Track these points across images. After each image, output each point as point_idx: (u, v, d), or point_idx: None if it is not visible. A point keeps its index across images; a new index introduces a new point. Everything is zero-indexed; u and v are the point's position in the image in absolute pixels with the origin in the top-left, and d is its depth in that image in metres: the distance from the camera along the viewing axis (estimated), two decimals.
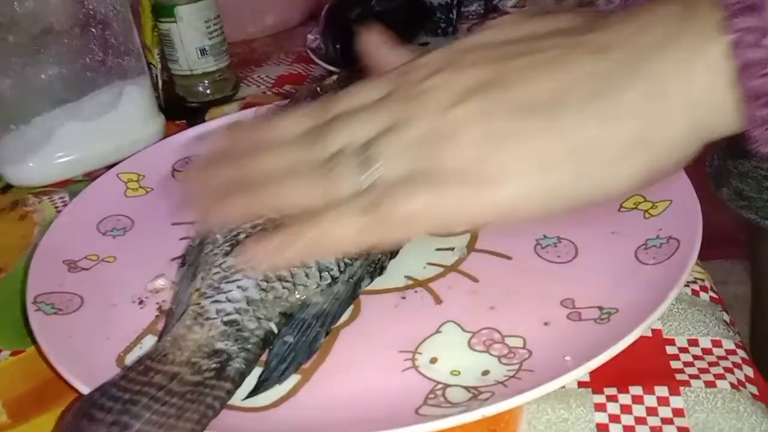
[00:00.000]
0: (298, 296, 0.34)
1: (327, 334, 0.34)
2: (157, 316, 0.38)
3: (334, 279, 0.35)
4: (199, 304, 0.33)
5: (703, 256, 0.36)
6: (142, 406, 0.28)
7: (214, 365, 0.30)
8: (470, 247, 0.40)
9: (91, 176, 0.53)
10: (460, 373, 0.31)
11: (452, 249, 0.40)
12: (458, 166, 0.28)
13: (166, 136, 0.57)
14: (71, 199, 0.49)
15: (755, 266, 0.72)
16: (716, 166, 0.67)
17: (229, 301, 0.33)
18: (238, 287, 0.34)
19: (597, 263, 0.37)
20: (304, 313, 0.34)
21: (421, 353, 0.33)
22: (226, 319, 0.32)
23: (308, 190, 0.30)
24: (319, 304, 0.34)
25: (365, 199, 0.29)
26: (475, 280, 0.37)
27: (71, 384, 0.32)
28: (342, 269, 0.35)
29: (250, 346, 0.32)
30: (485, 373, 0.31)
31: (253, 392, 0.31)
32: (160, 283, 0.40)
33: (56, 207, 0.51)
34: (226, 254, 0.35)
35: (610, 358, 0.30)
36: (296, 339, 0.33)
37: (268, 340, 0.33)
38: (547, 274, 0.37)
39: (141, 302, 0.39)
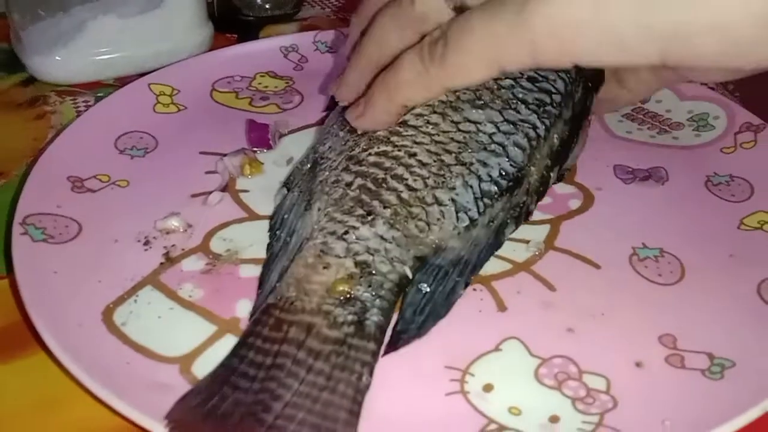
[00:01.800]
0: (432, 237, 0.29)
1: (467, 285, 0.29)
2: (162, 264, 0.31)
3: (473, 221, 0.29)
4: (322, 240, 0.28)
5: None
6: (288, 372, 0.24)
7: (351, 317, 0.26)
8: (549, 244, 0.32)
9: (122, 82, 0.47)
10: (520, 412, 0.24)
11: (527, 242, 0.32)
12: None
13: (212, 48, 0.50)
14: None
15: None
16: None
17: (358, 239, 0.28)
18: (366, 223, 0.28)
19: (708, 293, 0.29)
20: (440, 259, 0.29)
21: (473, 375, 0.26)
22: (357, 259, 0.27)
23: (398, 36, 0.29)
24: (456, 249, 0.29)
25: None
26: (551, 288, 0.30)
27: (41, 336, 0.26)
28: (481, 210, 0.29)
29: (384, 292, 0.27)
30: (554, 419, 0.24)
31: (391, 346, 0.26)
32: (173, 223, 0.33)
33: (78, 111, 0.45)
34: (348, 185, 0.30)
35: None
36: (432, 288, 0.28)
37: (402, 287, 0.28)
38: (644, 297, 0.29)
39: (147, 243, 0.33)
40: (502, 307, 0.29)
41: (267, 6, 0.56)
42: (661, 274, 0.30)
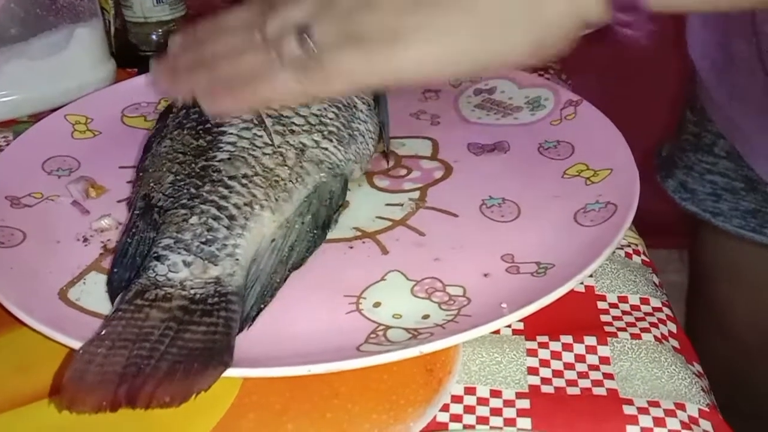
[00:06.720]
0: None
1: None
2: (101, 253, 0.37)
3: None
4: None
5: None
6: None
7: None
8: (419, 204, 0.41)
9: (36, 118, 0.52)
10: (401, 316, 0.32)
11: (401, 205, 0.40)
12: (378, 30, 0.32)
13: (115, 82, 0.56)
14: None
15: (694, 256, 0.75)
16: (664, 157, 0.70)
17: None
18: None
19: (538, 223, 0.39)
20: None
21: (365, 298, 0.34)
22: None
23: (260, 61, 0.35)
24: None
25: (306, 60, 0.34)
26: (421, 234, 0.38)
27: (10, 312, 0.32)
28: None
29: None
30: (425, 317, 0.32)
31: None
32: (106, 222, 0.39)
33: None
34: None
35: (542, 306, 0.31)
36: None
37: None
38: (491, 232, 0.38)
39: (85, 240, 0.38)
40: (385, 251, 0.37)
41: (162, 41, 0.63)
42: (503, 215, 0.39)
